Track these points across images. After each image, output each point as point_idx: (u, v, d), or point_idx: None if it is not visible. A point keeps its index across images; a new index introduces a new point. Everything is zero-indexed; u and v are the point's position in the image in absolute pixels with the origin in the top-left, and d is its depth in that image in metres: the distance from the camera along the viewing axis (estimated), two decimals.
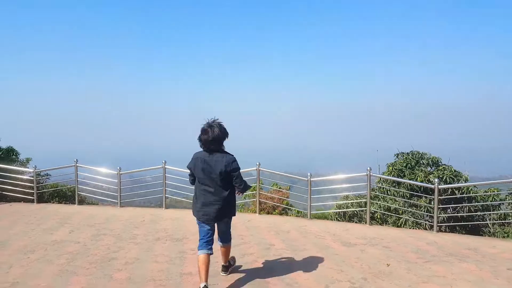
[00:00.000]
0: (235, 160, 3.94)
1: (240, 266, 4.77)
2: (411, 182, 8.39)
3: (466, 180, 8.93)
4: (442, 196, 7.84)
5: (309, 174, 7.87)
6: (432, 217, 8.31)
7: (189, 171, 4.07)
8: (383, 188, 9.25)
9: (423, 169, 9.38)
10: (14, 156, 13.00)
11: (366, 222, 7.61)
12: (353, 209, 8.94)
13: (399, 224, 8.22)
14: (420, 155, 9.86)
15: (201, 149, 3.96)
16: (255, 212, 8.66)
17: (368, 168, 7.47)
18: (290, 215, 10.33)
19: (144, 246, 5.75)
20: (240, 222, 7.33)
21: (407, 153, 10.09)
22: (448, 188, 8.35)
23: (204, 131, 3.85)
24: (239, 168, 3.95)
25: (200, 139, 3.88)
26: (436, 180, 7.20)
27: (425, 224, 8.14)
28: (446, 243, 6.13)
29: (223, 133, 3.87)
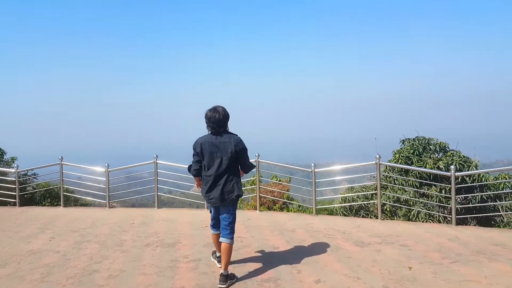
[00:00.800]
0: (242, 140, 4.00)
1: (241, 276, 4.09)
2: (428, 170, 7.69)
3: (476, 167, 8.31)
4: (459, 184, 7.18)
5: (313, 164, 7.18)
6: (444, 207, 7.71)
7: (193, 158, 4.06)
8: (390, 177, 8.61)
9: (431, 155, 8.74)
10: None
11: (377, 217, 6.96)
12: (360, 202, 8.28)
13: (410, 216, 7.59)
14: (426, 140, 9.22)
15: (206, 134, 4.00)
16: (255, 208, 7.98)
17: (377, 156, 6.80)
18: (291, 210, 9.70)
19: (132, 255, 5.05)
20: (239, 220, 6.63)
21: (413, 139, 9.44)
22: (459, 176, 7.75)
23: (213, 110, 3.93)
24: (246, 148, 4.01)
25: (209, 121, 3.92)
26: (452, 167, 6.53)
27: (438, 216, 7.52)
28: (469, 238, 5.49)
29: (228, 114, 4.00)
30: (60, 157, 8.93)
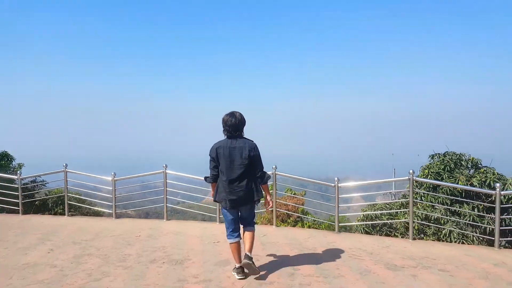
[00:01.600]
0: (256, 146, 4.06)
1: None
2: (471, 188, 7.01)
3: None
4: (504, 204, 6.48)
5: (336, 179, 6.59)
6: (477, 227, 7.02)
7: (210, 164, 4.10)
8: (417, 193, 7.94)
9: (463, 171, 8.05)
10: (7, 161, 11.98)
11: (405, 236, 6.29)
12: (386, 220, 7.61)
13: (441, 236, 6.89)
14: (458, 156, 8.54)
15: (222, 139, 4.10)
16: (271, 223, 7.38)
17: (411, 172, 6.19)
18: (306, 223, 9.10)
19: (135, 272, 4.52)
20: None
21: (443, 154, 8.78)
22: (492, 195, 7.08)
23: (230, 114, 4.01)
24: (260, 155, 4.07)
25: (226, 124, 4.00)
26: (498, 185, 5.87)
27: (472, 236, 6.81)
28: None
29: (244, 120, 4.09)
30: (64, 164, 8.53)
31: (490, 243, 7.10)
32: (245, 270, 4.16)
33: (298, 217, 9.28)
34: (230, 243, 4.14)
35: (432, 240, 6.69)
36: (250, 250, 4.14)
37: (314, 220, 9.56)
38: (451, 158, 8.37)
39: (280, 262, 4.80)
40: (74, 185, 9.11)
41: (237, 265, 4.15)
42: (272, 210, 7.23)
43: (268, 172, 4.52)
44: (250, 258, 4.09)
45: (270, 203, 4.23)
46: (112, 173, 8.22)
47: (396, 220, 7.36)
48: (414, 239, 6.26)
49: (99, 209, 9.24)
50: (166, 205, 7.80)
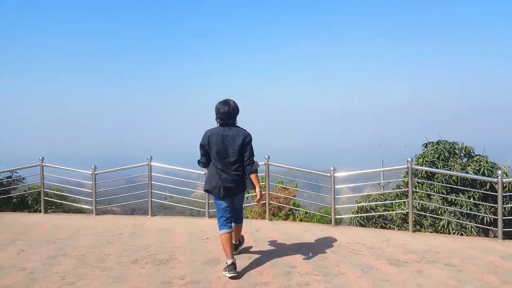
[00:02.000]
0: (250, 135, 4.03)
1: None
2: (472, 176, 6.74)
3: (506, 174, 7.40)
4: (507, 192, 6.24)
5: (332, 168, 6.22)
6: (473, 217, 6.80)
7: (200, 150, 4.10)
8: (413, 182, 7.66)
9: (457, 160, 7.82)
10: None
11: (402, 228, 6.00)
12: (383, 212, 7.30)
13: (439, 227, 6.63)
14: (451, 144, 8.30)
15: (214, 127, 4.06)
16: (263, 217, 7.00)
17: (409, 159, 5.88)
18: (298, 217, 8.78)
19: (114, 273, 4.07)
20: (245, 231, 5.64)
21: (436, 142, 8.53)
22: (487, 183, 6.87)
23: (224, 102, 3.98)
24: (252, 145, 4.04)
25: (219, 112, 3.96)
26: (499, 172, 5.61)
27: (470, 227, 6.58)
28: None
29: (238, 108, 4.06)
30: (40, 158, 7.94)
31: (488, 234, 6.91)
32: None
33: (290, 210, 8.96)
34: (221, 235, 3.95)
35: (430, 231, 6.41)
36: (237, 239, 4.49)
37: (306, 213, 9.28)
38: (444, 146, 8.13)
39: (275, 259, 4.41)
40: (54, 181, 8.54)
41: (229, 262, 3.85)
42: (264, 203, 6.86)
43: (260, 163, 4.36)
44: (237, 247, 4.53)
45: (259, 195, 3.96)
46: (92, 167, 7.68)
47: (393, 212, 7.05)
48: (414, 231, 5.95)
49: (79, 205, 8.66)
50: (151, 200, 7.32)
